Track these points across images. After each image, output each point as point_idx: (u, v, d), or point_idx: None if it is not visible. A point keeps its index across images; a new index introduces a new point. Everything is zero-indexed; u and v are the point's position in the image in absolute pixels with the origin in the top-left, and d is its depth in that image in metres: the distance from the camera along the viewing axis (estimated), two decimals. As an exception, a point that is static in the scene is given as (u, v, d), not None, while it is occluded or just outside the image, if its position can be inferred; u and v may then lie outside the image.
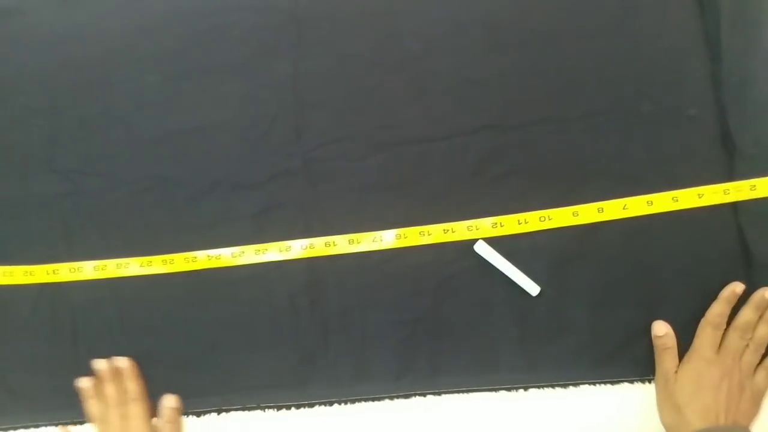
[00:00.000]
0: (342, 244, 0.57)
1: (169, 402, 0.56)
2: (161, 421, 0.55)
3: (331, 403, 0.57)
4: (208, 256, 0.58)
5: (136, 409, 0.55)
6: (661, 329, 0.53)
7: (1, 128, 0.62)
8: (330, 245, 0.57)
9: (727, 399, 0.49)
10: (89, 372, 0.57)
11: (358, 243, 0.57)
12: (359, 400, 0.56)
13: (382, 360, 0.56)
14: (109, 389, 0.56)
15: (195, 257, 0.58)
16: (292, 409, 0.57)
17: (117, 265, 0.58)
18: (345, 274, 0.57)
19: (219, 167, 0.59)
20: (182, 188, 0.59)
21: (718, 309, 0.52)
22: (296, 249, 0.57)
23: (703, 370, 0.51)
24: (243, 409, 0.57)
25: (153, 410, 0.56)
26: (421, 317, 0.56)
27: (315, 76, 0.59)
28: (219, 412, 0.57)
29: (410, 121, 0.58)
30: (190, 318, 0.58)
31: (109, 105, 0.61)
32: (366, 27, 0.60)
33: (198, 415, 0.57)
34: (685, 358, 0.52)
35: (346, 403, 0.56)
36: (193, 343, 0.58)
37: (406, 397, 0.56)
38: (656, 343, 0.53)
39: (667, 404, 0.51)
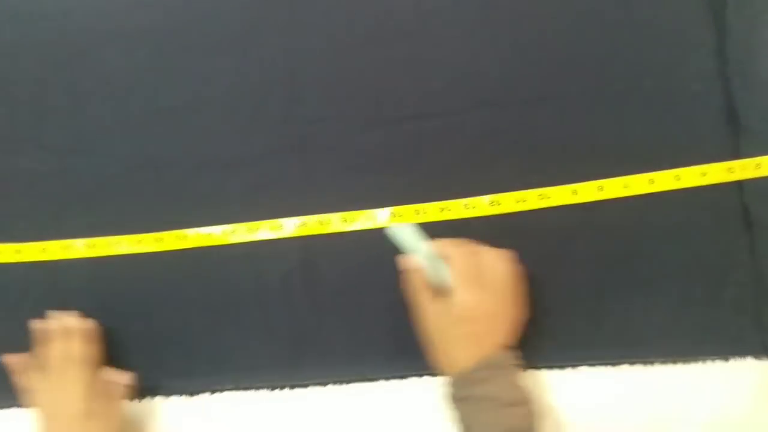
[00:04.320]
0: (336, 222, 0.56)
1: (121, 378, 0.52)
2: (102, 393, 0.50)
3: (325, 384, 0.56)
4: (199, 233, 0.57)
5: (75, 374, 0.49)
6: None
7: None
8: (324, 223, 0.56)
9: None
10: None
11: (353, 221, 0.56)
12: (354, 381, 0.55)
13: (377, 340, 0.55)
14: (53, 350, 0.50)
15: (186, 235, 0.57)
16: (286, 389, 0.56)
17: (107, 243, 0.57)
18: (339, 254, 0.56)
19: (210, 145, 0.58)
20: (173, 166, 0.58)
21: None
22: (289, 227, 0.56)
23: None
24: (236, 389, 0.56)
25: (132, 392, 0.54)
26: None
27: (308, 53, 0.58)
28: (212, 392, 0.56)
29: (405, 98, 0.57)
30: (181, 297, 0.57)
31: (98, 81, 0.59)
32: (360, 2, 0.58)
33: (190, 394, 0.56)
34: None
35: (340, 383, 0.55)
36: (184, 323, 0.57)
37: (402, 377, 0.55)
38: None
39: None
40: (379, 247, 0.55)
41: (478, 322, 0.47)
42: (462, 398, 0.47)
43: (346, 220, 0.56)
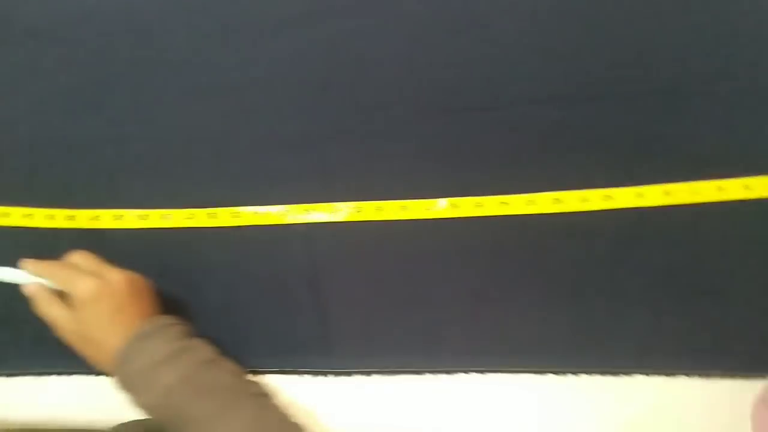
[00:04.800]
0: (392, 209, 0.55)
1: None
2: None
3: (369, 374, 0.54)
4: (254, 212, 0.56)
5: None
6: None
7: (51, 68, 0.61)
8: (380, 210, 0.55)
9: None
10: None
11: (410, 210, 0.55)
12: (398, 372, 0.54)
13: (430, 332, 0.54)
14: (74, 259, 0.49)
15: (239, 212, 0.56)
16: (316, 377, 0.54)
17: (161, 215, 0.57)
18: (393, 242, 0.55)
19: (272, 123, 0.58)
20: (232, 142, 0.58)
21: None
22: (345, 211, 0.55)
23: None
24: (264, 373, 0.54)
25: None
26: (467, 292, 0.54)
27: (374, 35, 0.57)
28: (254, 374, 0.55)
29: (472, 86, 0.56)
30: (230, 275, 0.56)
31: (163, 52, 0.59)
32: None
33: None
34: None
35: (384, 373, 0.54)
36: (231, 301, 0.56)
37: (449, 373, 0.53)
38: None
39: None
40: (437, 237, 0.54)
41: (103, 299, 0.45)
42: (126, 383, 0.44)
43: (404, 208, 0.55)
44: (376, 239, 0.55)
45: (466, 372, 0.53)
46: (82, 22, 0.61)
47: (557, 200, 0.54)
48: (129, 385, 0.44)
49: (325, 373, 0.54)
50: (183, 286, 0.56)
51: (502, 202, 0.54)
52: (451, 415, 0.52)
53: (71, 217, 0.58)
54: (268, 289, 0.55)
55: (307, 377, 0.54)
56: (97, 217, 0.57)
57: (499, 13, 0.56)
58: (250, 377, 0.47)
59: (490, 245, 0.54)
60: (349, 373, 0.54)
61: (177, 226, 0.57)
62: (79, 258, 0.49)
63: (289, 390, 0.54)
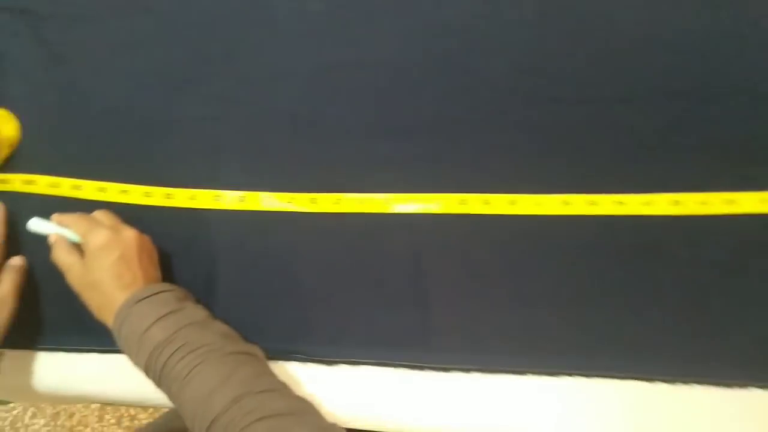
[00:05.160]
0: (500, 203, 0.53)
1: (16, 260, 0.55)
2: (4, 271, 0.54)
3: (448, 370, 0.52)
4: (358, 198, 0.55)
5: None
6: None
7: (152, 44, 0.60)
8: (487, 203, 0.53)
9: None
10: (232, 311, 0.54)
11: (519, 205, 0.53)
12: (476, 371, 0.52)
13: (514, 331, 0.52)
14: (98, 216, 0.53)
15: (340, 199, 0.55)
16: (416, 370, 0.53)
17: (260, 198, 0.56)
18: (498, 237, 0.53)
19: (375, 107, 0.56)
20: (334, 125, 0.56)
21: None
22: (450, 203, 0.54)
23: None
24: (360, 364, 0.53)
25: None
26: (575, 292, 0.52)
27: (491, 23, 0.55)
28: (351, 364, 0.54)
29: (592, 79, 0.54)
30: (326, 262, 0.55)
31: (268, 30, 0.58)
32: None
33: (328, 364, 0.54)
34: None
35: (464, 371, 0.52)
36: (323, 288, 0.55)
37: (521, 373, 0.51)
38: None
39: None
40: (545, 234, 0.52)
41: (113, 250, 0.49)
42: (122, 344, 0.47)
43: (513, 203, 0.53)
44: (480, 233, 0.53)
45: (570, 375, 0.51)
46: (182, 3, 0.59)
47: (676, 202, 0.51)
48: (125, 346, 0.47)
49: (422, 368, 0.53)
50: (280, 271, 0.55)
51: (619, 202, 0.52)
52: (554, 417, 0.51)
53: (168, 196, 0.57)
54: (368, 278, 0.54)
55: (403, 370, 0.53)
56: (193, 197, 0.57)
57: (618, 6, 0.54)
58: (243, 341, 0.48)
59: (602, 245, 0.52)
60: (447, 369, 0.53)
61: (277, 210, 0.55)
62: (101, 214, 0.53)
63: (384, 381, 0.53)
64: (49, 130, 0.59)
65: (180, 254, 0.56)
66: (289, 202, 0.55)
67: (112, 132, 0.59)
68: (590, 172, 0.53)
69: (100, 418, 1.26)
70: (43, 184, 0.58)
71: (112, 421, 1.26)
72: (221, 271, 0.55)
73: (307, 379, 0.54)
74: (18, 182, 0.58)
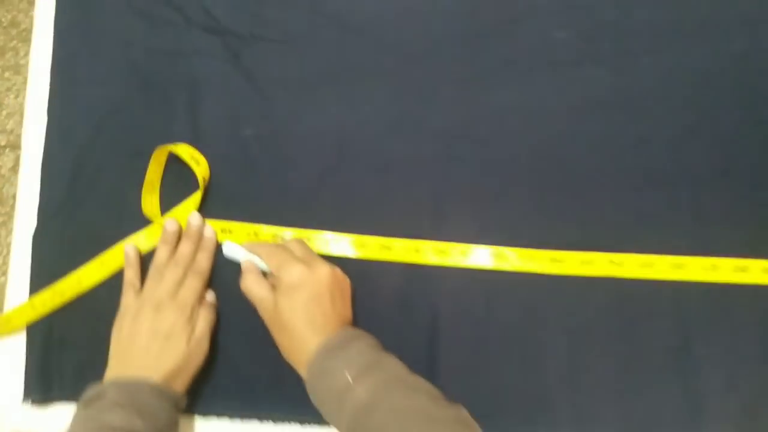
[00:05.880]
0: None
1: (210, 296, 0.49)
2: (201, 308, 0.48)
3: None
4: (639, 260, 0.48)
5: (194, 282, 0.47)
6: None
7: (363, 71, 0.53)
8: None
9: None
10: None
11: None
12: None
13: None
14: (183, 248, 0.49)
15: (591, 260, 0.47)
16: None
17: (497, 255, 0.48)
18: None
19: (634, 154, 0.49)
20: (587, 174, 0.49)
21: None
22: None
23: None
24: None
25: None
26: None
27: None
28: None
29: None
30: (568, 329, 0.48)
31: (507, 60, 0.51)
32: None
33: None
34: None
35: None
36: (566, 363, 0.47)
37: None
38: None
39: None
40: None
41: (306, 288, 0.44)
42: (317, 397, 0.43)
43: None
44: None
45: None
46: (390, 22, 0.53)
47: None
48: (320, 400, 0.43)
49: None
50: (516, 340, 0.48)
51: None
52: None
53: (386, 247, 0.50)
54: (620, 351, 0.47)
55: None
56: (417, 250, 0.49)
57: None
58: (448, 402, 0.41)
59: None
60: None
61: (510, 270, 0.48)
62: (295, 245, 0.48)
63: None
64: (244, 168, 0.52)
65: (395, 312, 0.49)
66: (528, 260, 0.48)
67: (318, 173, 0.52)
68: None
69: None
70: (241, 233, 0.51)
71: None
72: (444, 336, 0.48)
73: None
74: (217, 230, 0.51)
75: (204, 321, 0.47)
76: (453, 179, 0.50)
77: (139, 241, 0.51)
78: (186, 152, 0.50)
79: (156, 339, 0.45)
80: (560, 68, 0.51)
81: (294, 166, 0.52)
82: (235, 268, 0.48)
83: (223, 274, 0.49)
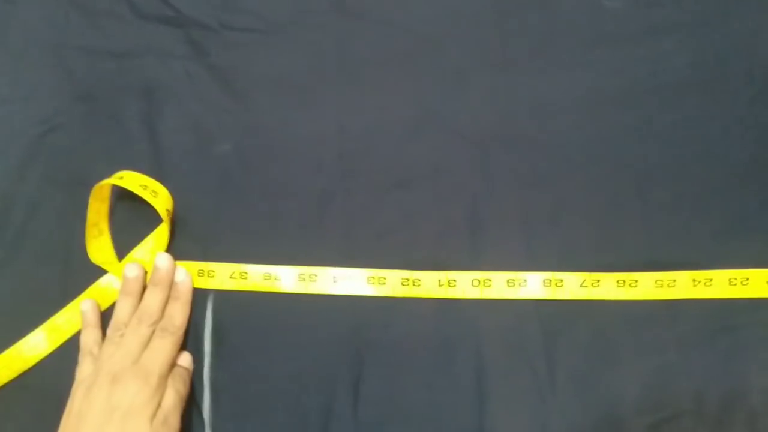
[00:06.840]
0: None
1: (184, 361, 0.39)
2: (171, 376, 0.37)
3: None
4: (695, 279, 0.38)
5: (163, 343, 0.37)
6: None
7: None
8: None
9: None
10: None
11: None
12: None
13: None
14: (149, 299, 0.39)
15: (672, 280, 0.38)
16: None
17: (556, 282, 0.38)
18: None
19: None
20: (651, 174, 0.40)
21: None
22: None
23: None
24: None
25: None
26: None
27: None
28: None
29: None
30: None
31: (550, 39, 0.42)
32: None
33: None
34: None
35: None
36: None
37: None
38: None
39: None
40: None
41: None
42: None
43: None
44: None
45: None
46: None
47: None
48: None
49: None
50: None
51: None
52: None
53: (411, 282, 0.39)
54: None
55: None
56: (452, 282, 0.39)
57: None
58: None
59: None
60: None
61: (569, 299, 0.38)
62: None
63: None
64: (222, 193, 0.42)
65: (429, 365, 0.38)
66: (595, 285, 0.38)
67: (317, 193, 0.41)
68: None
69: None
70: (224, 275, 0.40)
71: None
72: (493, 390, 0.38)
73: None
74: (193, 273, 0.40)
75: (174, 393, 0.36)
76: (494, 192, 0.40)
77: (97, 295, 0.40)
78: (135, 182, 0.39)
79: (111, 418, 0.34)
80: (619, 45, 0.42)
81: (286, 187, 0.41)
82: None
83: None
